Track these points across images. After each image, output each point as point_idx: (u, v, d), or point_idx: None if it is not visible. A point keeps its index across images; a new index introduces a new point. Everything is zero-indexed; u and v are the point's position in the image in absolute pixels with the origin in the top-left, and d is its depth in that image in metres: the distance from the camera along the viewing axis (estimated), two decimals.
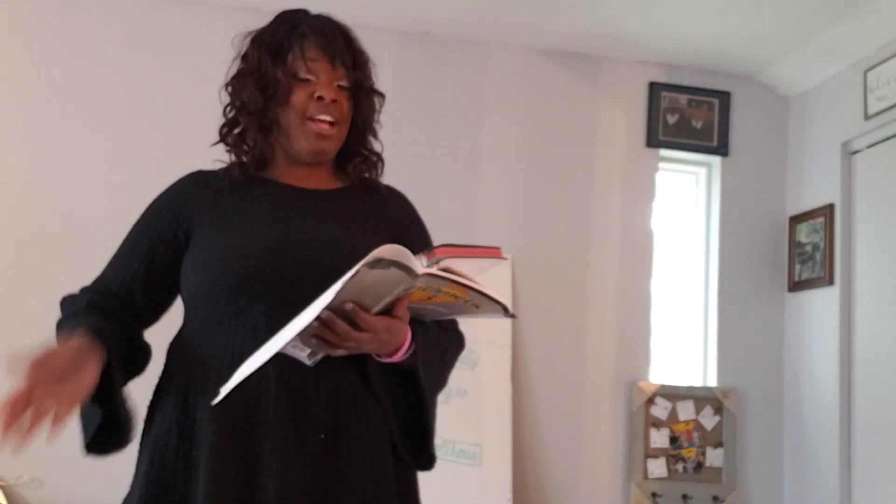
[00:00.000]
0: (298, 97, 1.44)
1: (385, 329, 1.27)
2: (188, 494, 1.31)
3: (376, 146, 1.58)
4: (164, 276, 1.45)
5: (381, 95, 1.56)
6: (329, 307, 1.19)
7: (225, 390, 1.24)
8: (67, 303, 1.44)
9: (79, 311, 1.40)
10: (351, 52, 1.48)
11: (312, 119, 1.44)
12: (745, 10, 3.05)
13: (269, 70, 1.45)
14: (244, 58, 1.50)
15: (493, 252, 1.32)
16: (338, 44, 1.46)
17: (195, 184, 1.51)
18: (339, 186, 1.53)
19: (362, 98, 1.51)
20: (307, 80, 1.44)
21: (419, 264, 1.19)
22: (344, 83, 1.47)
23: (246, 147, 1.50)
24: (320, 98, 1.43)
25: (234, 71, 1.51)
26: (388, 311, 1.27)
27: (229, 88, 1.51)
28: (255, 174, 1.50)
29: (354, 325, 1.24)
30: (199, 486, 1.30)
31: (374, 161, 1.56)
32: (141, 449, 1.41)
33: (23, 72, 3.06)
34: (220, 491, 1.28)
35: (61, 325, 1.39)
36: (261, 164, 1.50)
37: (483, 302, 1.28)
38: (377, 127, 1.57)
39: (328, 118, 1.44)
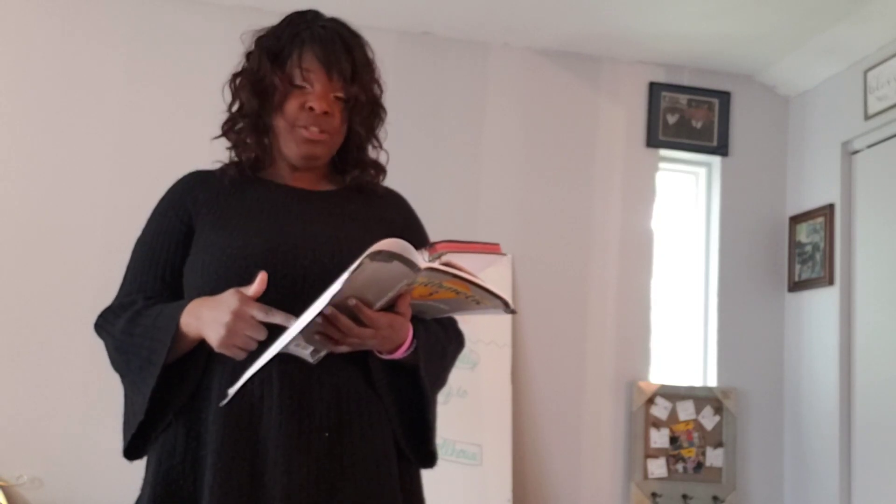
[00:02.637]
0: (291, 105, 1.43)
1: (387, 325, 1.28)
2: (196, 494, 1.32)
3: (381, 156, 1.56)
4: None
5: (384, 109, 1.54)
6: (332, 303, 1.19)
7: (232, 391, 1.25)
8: (111, 314, 1.43)
9: (146, 305, 1.39)
10: (351, 62, 1.45)
11: (301, 127, 1.44)
12: (745, 10, 3.05)
13: (266, 74, 1.44)
14: (248, 57, 1.49)
15: (492, 248, 1.33)
16: (336, 55, 1.43)
17: (194, 183, 1.50)
18: (338, 188, 1.53)
19: (358, 112, 1.48)
20: (302, 89, 1.43)
21: (421, 259, 1.19)
22: (340, 94, 1.45)
23: (242, 144, 1.50)
24: (311, 109, 1.42)
25: (240, 67, 1.51)
26: (390, 308, 1.28)
27: (232, 86, 1.51)
28: (253, 175, 1.50)
29: (357, 320, 1.24)
30: (205, 485, 1.30)
31: (374, 173, 1.55)
32: (150, 452, 1.41)
33: (24, 72, 3.06)
34: (226, 490, 1.28)
35: (134, 322, 1.37)
36: (256, 165, 1.50)
37: (484, 297, 1.28)
38: (382, 136, 1.56)
39: (316, 129, 1.44)
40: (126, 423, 1.41)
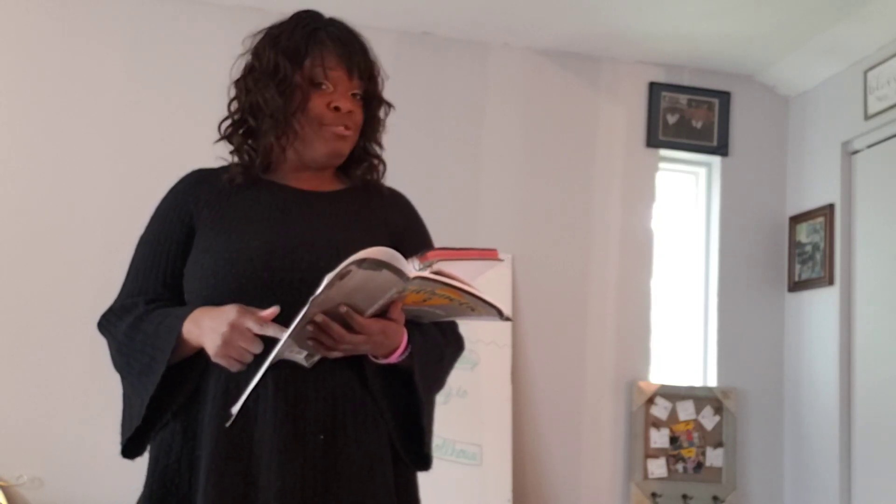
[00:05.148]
0: (315, 105, 1.44)
1: (380, 331, 1.28)
2: (192, 494, 1.32)
3: (380, 150, 1.58)
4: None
5: (389, 105, 1.56)
6: (322, 309, 1.19)
7: (235, 410, 1.26)
8: (113, 316, 1.44)
9: (147, 309, 1.40)
10: (367, 62, 1.48)
11: (329, 125, 1.45)
12: (745, 10, 3.05)
13: (288, 75, 1.43)
14: (257, 57, 1.47)
15: (489, 254, 1.31)
16: (357, 54, 1.46)
17: (195, 183, 1.50)
18: (340, 188, 1.53)
19: (373, 109, 1.52)
20: (324, 89, 1.44)
21: (410, 267, 1.19)
22: (358, 93, 1.48)
23: (250, 147, 1.49)
24: (337, 108, 1.44)
25: (242, 69, 1.50)
26: (383, 314, 1.28)
27: (241, 86, 1.49)
28: (257, 176, 1.49)
29: (349, 327, 1.24)
30: (200, 487, 1.31)
31: (378, 165, 1.57)
32: (150, 450, 1.42)
33: (24, 73, 3.06)
34: (220, 492, 1.29)
35: (136, 328, 1.38)
36: (266, 166, 1.50)
37: (478, 305, 1.28)
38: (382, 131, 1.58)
39: (343, 127, 1.45)
40: (124, 424, 1.42)
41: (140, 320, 1.39)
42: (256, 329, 1.25)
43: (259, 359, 1.26)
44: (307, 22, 1.48)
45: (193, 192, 1.48)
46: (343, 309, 1.22)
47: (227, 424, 1.29)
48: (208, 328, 1.29)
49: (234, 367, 1.28)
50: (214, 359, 1.28)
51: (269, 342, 1.25)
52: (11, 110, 3.04)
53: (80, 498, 2.88)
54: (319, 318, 1.21)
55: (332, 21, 1.50)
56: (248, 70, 1.48)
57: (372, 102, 1.51)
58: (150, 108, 3.12)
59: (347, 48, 1.45)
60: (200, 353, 1.33)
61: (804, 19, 3.07)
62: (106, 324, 1.45)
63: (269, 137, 1.46)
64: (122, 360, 1.40)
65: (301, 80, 1.43)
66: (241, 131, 1.50)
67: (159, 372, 1.31)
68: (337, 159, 1.50)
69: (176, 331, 1.32)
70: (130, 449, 1.41)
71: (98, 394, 2.86)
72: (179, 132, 3.07)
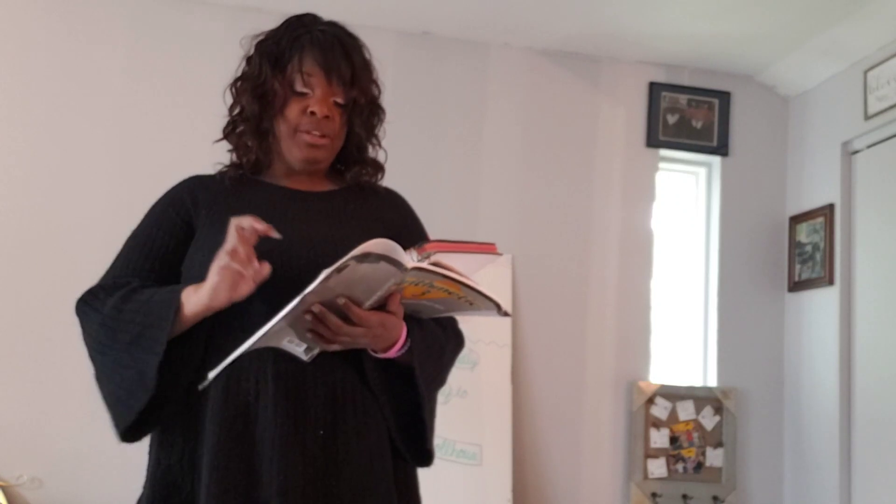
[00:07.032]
0: (292, 110, 1.45)
1: (378, 323, 1.28)
2: (194, 492, 1.33)
3: (379, 155, 1.58)
4: (176, 270, 1.45)
5: (382, 110, 1.55)
6: (320, 300, 1.19)
7: (212, 375, 1.24)
8: (102, 292, 1.42)
9: (141, 285, 1.39)
10: (350, 67, 1.46)
11: (303, 132, 1.45)
12: (745, 10, 3.05)
13: (267, 79, 1.45)
14: (248, 61, 1.51)
15: (487, 248, 1.31)
16: (336, 59, 1.45)
17: (194, 186, 1.52)
18: (336, 188, 1.54)
19: (358, 114, 1.50)
20: (303, 94, 1.45)
21: (408, 258, 1.19)
22: (339, 99, 1.47)
23: (243, 146, 1.51)
24: (312, 113, 1.44)
25: (240, 71, 1.52)
26: (382, 307, 1.28)
27: (233, 90, 1.52)
28: (252, 177, 1.51)
29: (348, 319, 1.25)
30: (202, 484, 1.31)
31: (373, 171, 1.56)
32: (150, 450, 1.42)
33: (24, 72, 3.06)
34: (223, 489, 1.29)
35: (123, 305, 1.36)
36: (257, 167, 1.52)
37: (476, 299, 1.28)
38: (381, 135, 1.57)
39: (318, 134, 1.45)
40: (119, 402, 1.37)
41: (133, 291, 1.37)
42: (248, 233, 1.23)
43: (246, 335, 1.23)
44: (297, 27, 1.48)
45: (192, 194, 1.50)
46: (341, 300, 1.22)
47: (201, 387, 1.26)
48: (210, 274, 1.26)
49: (243, 291, 1.24)
50: (216, 292, 1.25)
51: (259, 321, 1.23)
52: (11, 110, 3.04)
53: (80, 498, 2.88)
54: (317, 308, 1.21)
55: (325, 25, 1.50)
56: (241, 74, 1.51)
57: (357, 109, 1.49)
58: (149, 108, 3.13)
59: (328, 53, 1.44)
60: (199, 329, 1.32)
61: (804, 19, 3.08)
62: (91, 300, 1.42)
63: (248, 140, 1.49)
64: (106, 333, 1.36)
65: (281, 86, 1.45)
66: (237, 131, 1.52)
67: (160, 339, 1.28)
68: (312, 165, 1.49)
69: (177, 295, 1.30)
70: (132, 430, 1.37)
71: (98, 393, 2.86)
72: (179, 132, 3.07)
